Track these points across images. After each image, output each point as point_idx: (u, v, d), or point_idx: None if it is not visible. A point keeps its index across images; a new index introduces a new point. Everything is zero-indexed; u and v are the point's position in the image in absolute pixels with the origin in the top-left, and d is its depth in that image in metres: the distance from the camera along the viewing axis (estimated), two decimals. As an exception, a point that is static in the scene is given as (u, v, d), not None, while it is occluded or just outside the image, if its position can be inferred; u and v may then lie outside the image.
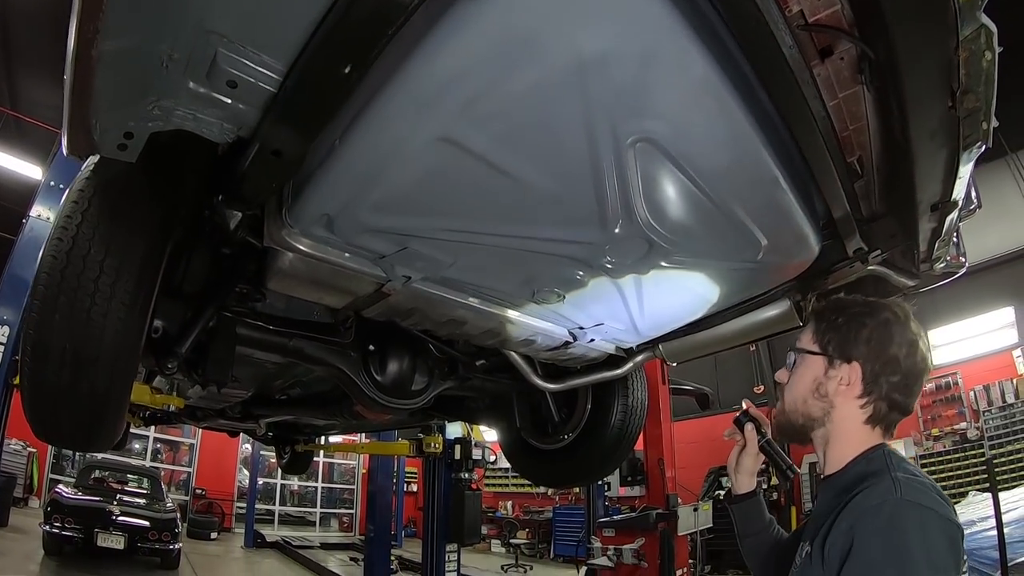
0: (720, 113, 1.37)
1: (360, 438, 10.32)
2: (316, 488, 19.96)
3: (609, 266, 1.97)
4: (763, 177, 1.57)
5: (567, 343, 2.66)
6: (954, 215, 1.80)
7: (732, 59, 1.29)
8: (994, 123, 1.40)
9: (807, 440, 1.45)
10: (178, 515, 10.60)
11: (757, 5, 1.18)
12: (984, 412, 11.14)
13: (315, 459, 13.76)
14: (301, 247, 1.71)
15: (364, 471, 19.85)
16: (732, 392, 14.49)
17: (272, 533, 16.05)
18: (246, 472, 17.41)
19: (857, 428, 1.36)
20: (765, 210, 1.72)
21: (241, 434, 6.96)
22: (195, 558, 11.37)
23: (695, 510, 7.14)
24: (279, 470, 18.15)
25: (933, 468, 11.10)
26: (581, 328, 2.55)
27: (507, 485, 18.76)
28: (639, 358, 3.00)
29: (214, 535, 14.83)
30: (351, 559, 13.28)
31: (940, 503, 1.17)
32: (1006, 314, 11.38)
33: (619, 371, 3.02)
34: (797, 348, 1.46)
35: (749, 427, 1.64)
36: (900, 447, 11.01)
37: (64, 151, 1.41)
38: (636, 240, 1.81)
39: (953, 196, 1.66)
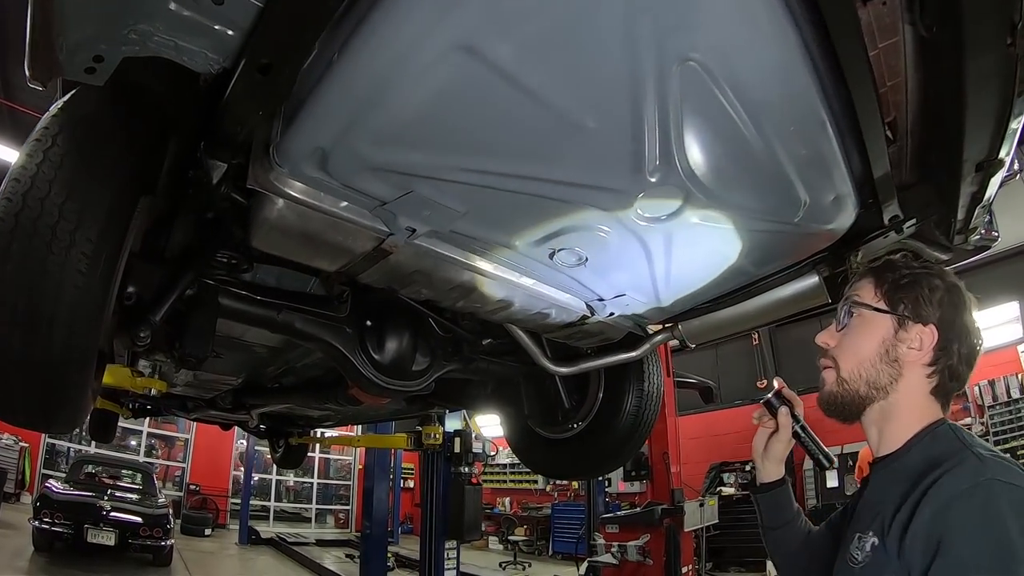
0: (774, 36, 1.20)
1: (357, 431, 10.07)
2: (312, 484, 19.76)
3: (640, 222, 1.75)
4: (811, 118, 1.40)
5: (584, 318, 2.43)
6: (998, 177, 1.64)
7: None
8: None
9: (857, 417, 1.28)
10: (170, 511, 10.41)
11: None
12: (989, 407, 10.93)
13: (310, 455, 13.55)
14: (291, 192, 1.47)
15: (360, 467, 19.73)
16: (733, 387, 14.28)
17: (267, 529, 15.81)
18: (241, 468, 17.18)
19: (921, 400, 1.23)
20: (809, 161, 1.54)
21: (236, 429, 6.72)
22: (188, 555, 11.17)
23: (701, 506, 6.93)
24: (275, 466, 18.09)
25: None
26: (601, 300, 2.32)
27: (505, 481, 18.52)
28: (657, 338, 2.79)
29: (208, 531, 14.58)
30: (347, 556, 13.12)
31: None
32: (1011, 309, 11.19)
33: (635, 353, 2.80)
34: (857, 303, 1.30)
35: (784, 411, 1.47)
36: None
37: (27, 74, 1.23)
38: (672, 189, 1.59)
39: (1001, 154, 1.51)
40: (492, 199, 1.56)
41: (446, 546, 7.49)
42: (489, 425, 8.75)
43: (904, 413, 1.22)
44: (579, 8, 1.08)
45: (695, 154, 1.47)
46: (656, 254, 1.99)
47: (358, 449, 17.22)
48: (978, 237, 2.03)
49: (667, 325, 2.77)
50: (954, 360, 1.21)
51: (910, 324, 1.22)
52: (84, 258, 1.37)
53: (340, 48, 1.16)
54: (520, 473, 17.27)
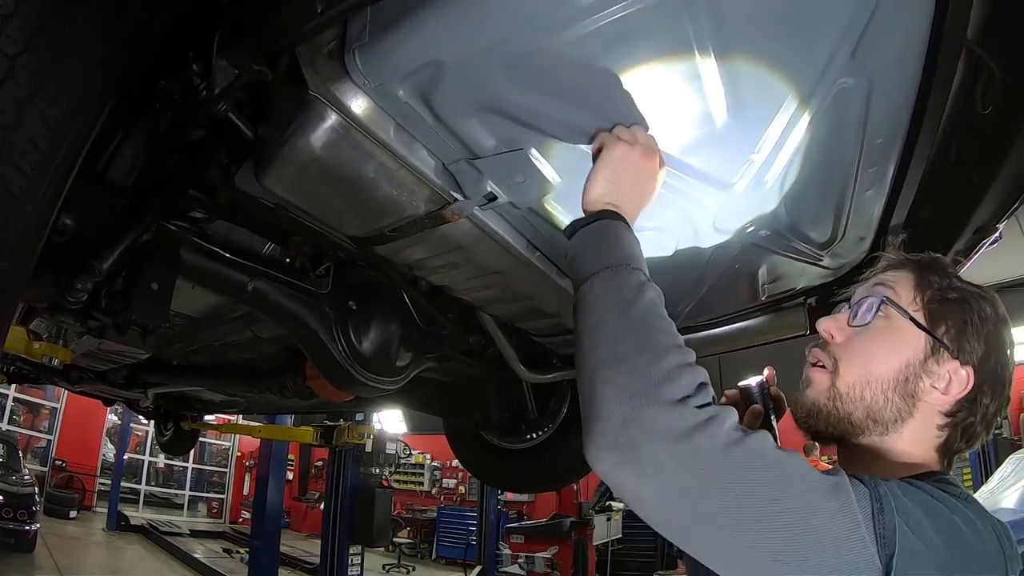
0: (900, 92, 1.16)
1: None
2: (186, 469, 18.12)
3: (711, 230, 1.54)
4: (886, 158, 1.35)
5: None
6: (987, 241, 1.61)
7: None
8: None
9: (833, 443, 1.00)
10: (36, 490, 9.11)
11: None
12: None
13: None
14: (361, 115, 1.04)
15: (239, 454, 18.48)
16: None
17: (136, 515, 14.24)
18: (111, 445, 15.53)
19: (922, 454, 0.93)
20: (865, 199, 1.49)
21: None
22: (52, 540, 9.80)
23: (608, 519, 6.77)
24: (146, 445, 16.55)
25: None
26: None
27: (390, 481, 17.78)
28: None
29: (73, 514, 12.82)
30: (224, 550, 12.04)
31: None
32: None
33: None
34: (892, 300, 0.96)
35: (756, 410, 1.15)
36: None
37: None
38: (753, 200, 1.42)
39: (1000, 224, 1.54)
40: None
41: (350, 551, 6.92)
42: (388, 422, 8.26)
43: (900, 463, 0.93)
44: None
45: (795, 170, 1.35)
46: (701, 266, 1.77)
47: (238, 435, 16.04)
48: None
49: None
50: (976, 418, 0.93)
51: (945, 356, 0.91)
52: (33, 150, 0.89)
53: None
54: (405, 474, 16.59)
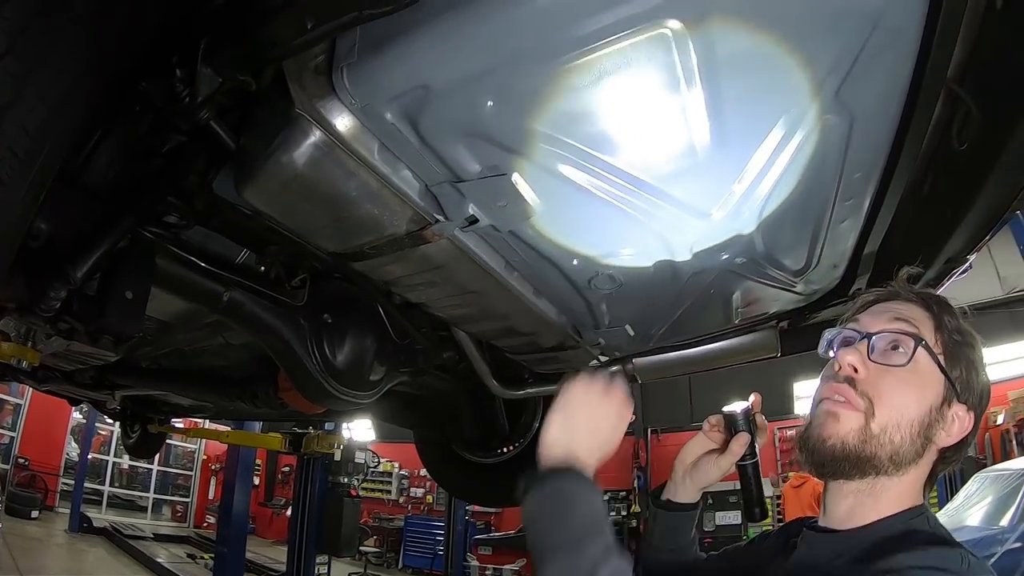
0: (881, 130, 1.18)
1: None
2: (150, 471, 17.57)
3: (688, 256, 1.53)
4: (864, 186, 1.35)
5: (563, 344, 2.13)
6: (957, 271, 1.65)
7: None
8: None
9: (841, 476, 0.95)
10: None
11: None
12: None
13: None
14: (346, 134, 1.02)
15: (205, 457, 18.09)
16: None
17: (99, 517, 13.71)
18: (75, 444, 15.07)
19: (915, 489, 0.93)
20: (839, 224, 1.48)
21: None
22: (13, 540, 9.40)
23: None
24: (110, 446, 16.09)
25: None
26: (597, 328, 2.01)
27: (356, 488, 17.50)
28: (610, 371, 2.53)
29: (35, 514, 12.29)
30: (188, 556, 11.69)
31: None
32: None
33: None
34: (927, 345, 0.92)
35: (744, 438, 1.13)
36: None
37: None
38: (731, 229, 1.43)
39: (971, 256, 1.57)
40: (579, 202, 1.22)
41: (317, 560, 6.79)
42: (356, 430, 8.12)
43: (893, 498, 0.92)
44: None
45: (774, 201, 1.34)
46: (678, 290, 1.76)
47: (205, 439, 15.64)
48: None
49: (621, 358, 2.53)
50: (961, 454, 0.95)
51: (955, 400, 0.91)
52: (24, 137, 0.86)
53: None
54: (373, 481, 16.33)
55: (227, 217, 1.59)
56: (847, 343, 0.98)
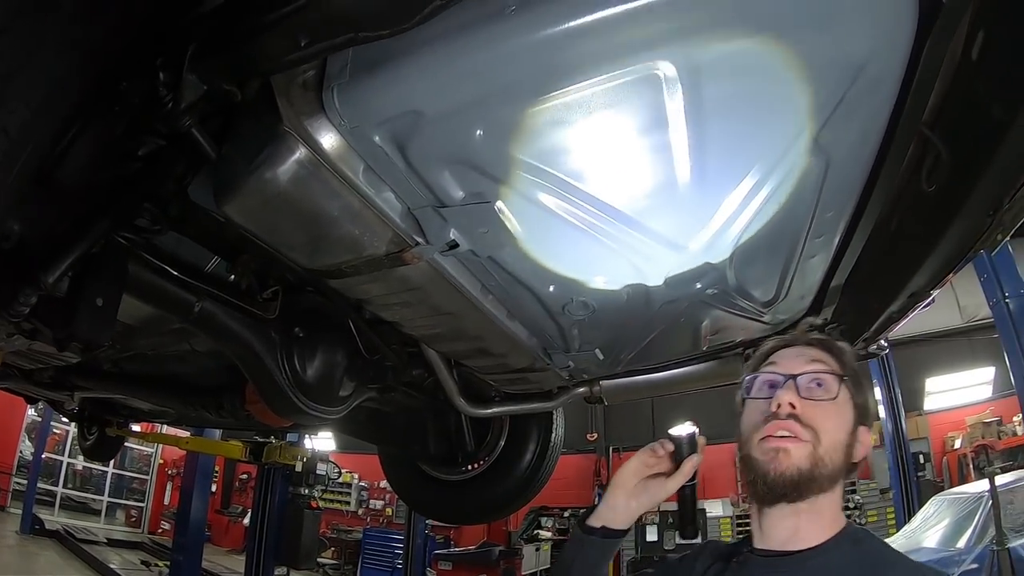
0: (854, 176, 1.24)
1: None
2: (105, 473, 16.91)
3: (662, 285, 1.56)
4: (835, 224, 1.40)
5: (532, 366, 2.12)
6: (920, 305, 1.71)
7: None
8: None
9: (797, 500, 1.02)
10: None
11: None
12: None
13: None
14: (332, 153, 1.01)
15: (162, 461, 17.55)
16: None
17: (52, 519, 12.99)
18: (29, 442, 14.50)
19: (840, 500, 1.10)
20: (809, 259, 1.53)
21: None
22: None
23: (537, 550, 6.70)
24: (65, 445, 15.51)
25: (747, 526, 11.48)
26: (567, 351, 2.01)
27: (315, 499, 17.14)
28: (577, 391, 2.53)
29: None
30: (143, 563, 11.24)
31: None
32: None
33: (551, 403, 2.54)
34: (844, 376, 1.08)
35: (694, 460, 1.16)
36: (719, 507, 11.37)
37: None
38: (705, 261, 1.46)
39: (934, 291, 1.61)
40: (558, 231, 1.23)
41: (275, 571, 6.61)
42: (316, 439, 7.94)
43: (828, 512, 1.04)
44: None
45: (747, 236, 1.38)
46: (649, 317, 1.78)
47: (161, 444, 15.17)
48: (875, 347, 2.04)
49: (588, 380, 2.54)
50: (859, 468, 1.11)
51: (862, 424, 1.09)
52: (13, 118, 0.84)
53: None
54: (332, 492, 15.99)
55: (201, 223, 1.55)
56: (773, 386, 1.08)
